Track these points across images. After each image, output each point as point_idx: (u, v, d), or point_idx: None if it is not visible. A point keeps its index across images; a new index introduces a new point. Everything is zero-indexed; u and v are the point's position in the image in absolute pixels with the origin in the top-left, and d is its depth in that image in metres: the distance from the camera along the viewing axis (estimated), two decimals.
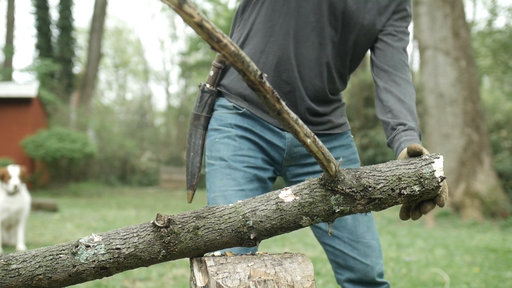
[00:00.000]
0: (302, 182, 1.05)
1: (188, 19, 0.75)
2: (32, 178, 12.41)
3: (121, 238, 0.98)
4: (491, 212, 7.91)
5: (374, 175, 1.02)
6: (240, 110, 1.52)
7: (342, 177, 1.00)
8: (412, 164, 1.05)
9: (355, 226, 1.56)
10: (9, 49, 17.00)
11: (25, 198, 4.80)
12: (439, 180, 1.03)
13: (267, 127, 1.52)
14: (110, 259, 0.97)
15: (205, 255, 1.05)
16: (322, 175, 1.00)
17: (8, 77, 16.41)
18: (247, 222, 1.00)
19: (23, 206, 4.75)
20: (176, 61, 28.42)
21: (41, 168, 13.16)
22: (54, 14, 17.62)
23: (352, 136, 1.69)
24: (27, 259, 0.97)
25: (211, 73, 1.57)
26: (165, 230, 0.97)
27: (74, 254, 0.97)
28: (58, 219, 7.10)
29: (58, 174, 14.49)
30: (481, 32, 14.39)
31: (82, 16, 46.72)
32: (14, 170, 4.63)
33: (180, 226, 0.98)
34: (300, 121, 0.88)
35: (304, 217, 1.01)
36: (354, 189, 1.00)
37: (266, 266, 0.95)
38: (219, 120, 1.54)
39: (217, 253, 1.08)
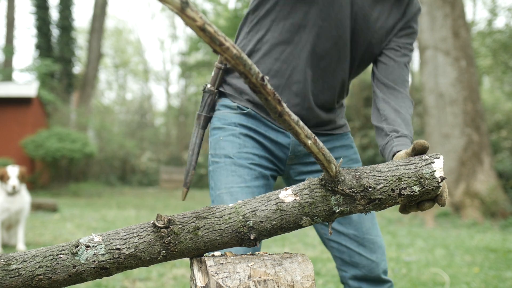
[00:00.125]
0: (302, 182, 1.05)
1: (191, 22, 0.75)
2: (32, 178, 12.41)
3: (121, 238, 0.98)
4: (491, 212, 7.91)
5: (374, 176, 1.02)
6: (245, 110, 1.52)
7: (342, 178, 1.00)
8: (412, 164, 1.05)
9: (361, 223, 1.57)
10: (9, 49, 17.00)
11: (25, 198, 4.80)
12: (439, 181, 1.03)
13: (271, 126, 1.53)
14: (110, 259, 0.97)
15: (205, 255, 1.05)
16: (322, 175, 1.01)
17: (8, 77, 16.41)
18: (247, 223, 1.00)
19: (23, 206, 4.75)
20: (176, 61, 28.43)
21: (41, 168, 13.16)
22: (54, 14, 17.64)
23: (352, 137, 1.70)
24: (27, 259, 0.97)
25: (213, 73, 1.59)
26: (165, 231, 0.97)
27: (74, 254, 0.97)
28: (58, 219, 7.10)
29: (58, 174, 14.50)
30: (481, 32, 14.39)
31: (82, 16, 46.77)
32: (13, 171, 4.63)
33: (180, 226, 0.98)
34: (301, 123, 0.88)
35: (304, 217, 1.01)
36: (354, 189, 1.00)
37: (266, 266, 0.95)
38: (222, 119, 1.54)
39: (217, 253, 1.09)
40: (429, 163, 1.04)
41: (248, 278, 0.92)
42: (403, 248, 5.28)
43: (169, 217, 0.98)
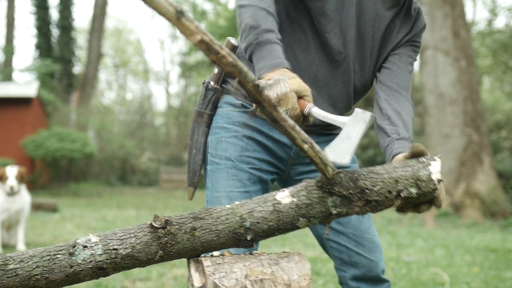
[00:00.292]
0: (299, 184, 1.05)
1: (186, 32, 0.75)
2: (32, 178, 12.42)
3: (118, 239, 0.98)
4: (491, 212, 7.91)
5: (371, 177, 1.02)
6: (249, 108, 1.51)
7: (339, 179, 1.00)
8: (409, 166, 1.05)
9: (359, 222, 1.58)
10: (9, 49, 17.02)
11: (25, 198, 4.79)
12: (436, 183, 1.03)
13: (271, 127, 1.52)
14: (107, 259, 0.97)
15: (202, 255, 1.05)
16: (319, 177, 1.01)
17: (8, 77, 16.42)
18: (244, 223, 1.00)
19: (23, 206, 4.75)
20: (176, 61, 28.44)
21: (41, 168, 13.17)
22: (54, 14, 17.65)
23: None
24: (24, 259, 0.97)
25: (216, 70, 1.56)
26: (162, 231, 0.97)
27: (71, 254, 0.97)
28: (58, 219, 7.11)
29: (58, 174, 14.51)
30: (481, 32, 14.40)
31: (82, 16, 46.77)
32: (11, 171, 4.63)
33: (177, 227, 0.98)
34: (297, 128, 0.88)
35: (301, 218, 1.01)
36: (351, 191, 1.00)
37: (262, 265, 0.95)
38: (226, 117, 1.52)
39: (215, 253, 1.09)
40: (426, 166, 1.04)
41: (245, 277, 0.92)
42: (403, 248, 5.28)
43: (166, 218, 0.98)
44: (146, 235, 0.98)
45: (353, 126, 1.15)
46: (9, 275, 0.95)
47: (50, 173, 14.05)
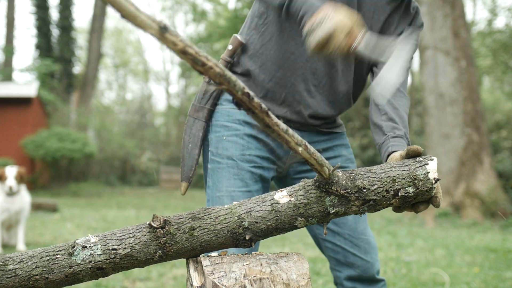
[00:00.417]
0: (297, 184, 1.05)
1: (171, 46, 0.75)
2: (32, 178, 12.42)
3: (117, 239, 0.98)
4: (491, 212, 7.91)
5: (368, 177, 1.03)
6: None
7: (336, 179, 1.00)
8: (406, 166, 1.05)
9: (356, 223, 1.58)
10: (9, 49, 17.02)
11: (25, 198, 4.79)
12: (433, 182, 1.04)
13: None
14: (107, 259, 0.97)
15: (201, 255, 1.05)
16: (316, 177, 1.01)
17: (8, 77, 16.42)
18: (243, 223, 1.00)
19: (23, 207, 4.75)
20: (176, 61, 28.44)
21: (41, 168, 13.17)
22: (54, 14, 17.65)
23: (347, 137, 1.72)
24: (24, 259, 0.98)
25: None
26: (161, 231, 0.97)
27: (70, 254, 0.97)
28: (58, 219, 7.11)
29: (58, 174, 14.50)
30: (481, 32, 14.40)
31: (82, 16, 46.77)
32: (10, 171, 4.63)
33: (176, 227, 0.98)
34: (290, 131, 0.89)
35: (299, 218, 1.02)
36: (349, 190, 1.01)
37: (261, 265, 0.96)
38: (226, 115, 1.52)
39: (214, 253, 1.09)
40: (423, 165, 1.05)
41: (244, 277, 0.93)
42: (403, 248, 5.28)
43: (165, 218, 0.98)
44: (145, 235, 0.98)
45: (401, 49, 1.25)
46: (9, 276, 0.96)
47: (50, 173, 14.05)
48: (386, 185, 1.03)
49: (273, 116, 0.86)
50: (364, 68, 1.56)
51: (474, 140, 8.26)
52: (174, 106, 26.85)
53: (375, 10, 1.48)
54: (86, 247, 0.97)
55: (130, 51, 31.15)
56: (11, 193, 4.62)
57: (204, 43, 17.17)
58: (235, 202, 1.04)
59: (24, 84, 14.29)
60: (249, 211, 1.01)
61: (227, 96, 1.54)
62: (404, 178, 1.03)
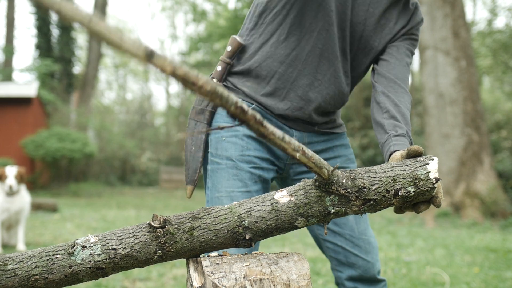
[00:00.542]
0: (298, 184, 1.05)
1: (160, 70, 0.75)
2: (32, 178, 12.42)
3: (117, 239, 0.98)
4: (491, 212, 7.91)
5: (369, 176, 1.03)
6: (249, 106, 1.51)
7: (336, 178, 1.00)
8: (406, 165, 1.05)
9: (356, 223, 1.59)
10: (9, 49, 17.01)
11: (25, 198, 4.80)
12: (434, 182, 1.04)
13: (275, 124, 1.53)
14: (106, 259, 0.97)
15: (201, 255, 1.05)
16: (316, 177, 1.01)
17: (8, 77, 16.42)
18: (243, 223, 1.00)
19: (23, 206, 4.75)
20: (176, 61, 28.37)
21: (41, 168, 13.17)
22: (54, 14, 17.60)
23: (347, 138, 1.72)
24: (23, 259, 0.97)
25: (219, 68, 1.55)
26: (161, 231, 0.97)
27: (70, 254, 0.97)
28: (58, 219, 7.11)
29: (58, 174, 14.50)
30: (481, 32, 14.40)
31: None
32: (10, 171, 4.63)
33: (175, 226, 0.98)
34: (286, 138, 0.89)
35: (299, 217, 1.01)
36: (349, 189, 1.01)
37: (261, 265, 0.95)
38: (225, 116, 1.53)
39: (214, 253, 1.08)
40: (424, 165, 1.05)
41: (244, 277, 0.92)
42: (403, 248, 5.28)
43: (165, 218, 0.98)
44: (144, 235, 0.98)
45: None
46: (8, 275, 0.96)
47: (50, 173, 14.05)
48: (386, 184, 1.02)
49: (268, 126, 0.86)
50: (357, 59, 1.55)
51: (474, 140, 8.26)
52: (174, 106, 26.86)
53: (371, 3, 1.47)
54: (85, 247, 0.97)
55: None
56: (11, 192, 4.62)
57: (204, 43, 17.18)
58: (235, 202, 1.04)
59: (24, 84, 14.28)
60: (249, 211, 1.01)
61: None
62: (404, 178, 1.03)
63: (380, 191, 1.02)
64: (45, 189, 13.27)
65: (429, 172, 1.04)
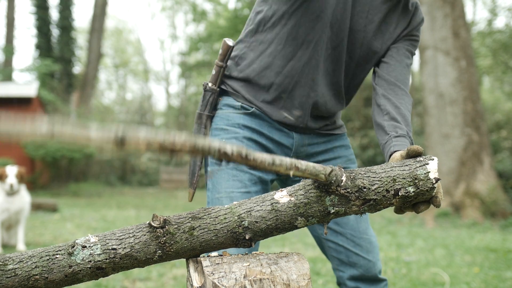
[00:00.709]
0: (297, 184, 1.05)
1: (135, 151, 0.75)
2: (32, 178, 12.42)
3: (117, 239, 0.98)
4: (491, 212, 7.91)
5: (368, 176, 1.03)
6: (249, 109, 1.51)
7: (335, 178, 1.00)
8: (406, 165, 1.05)
9: (357, 223, 1.59)
10: (9, 49, 17.01)
11: (25, 198, 4.80)
12: (434, 182, 1.03)
13: (275, 127, 1.54)
14: (106, 259, 0.97)
15: (201, 255, 1.05)
16: None
17: (8, 77, 16.41)
18: (243, 223, 1.00)
19: (23, 206, 4.75)
20: (176, 61, 28.43)
21: (41, 168, 13.17)
22: (54, 14, 17.64)
23: (348, 138, 1.72)
24: (23, 259, 0.97)
25: (213, 71, 1.56)
26: (161, 231, 0.97)
27: (70, 254, 0.97)
28: (58, 219, 7.10)
29: (58, 174, 14.50)
30: (481, 32, 14.40)
31: (82, 16, 46.80)
32: (11, 170, 4.64)
33: (175, 226, 0.98)
34: (276, 161, 0.90)
35: (299, 217, 1.01)
36: (349, 189, 1.01)
37: (261, 265, 0.95)
38: (225, 119, 1.53)
39: (214, 253, 1.09)
40: (424, 165, 1.05)
41: (244, 277, 0.92)
42: (403, 248, 5.28)
43: (165, 217, 0.98)
44: (144, 235, 0.98)
45: None
46: (8, 275, 0.95)
47: (50, 173, 14.05)
48: (386, 184, 1.02)
49: (256, 157, 0.87)
50: (358, 66, 1.55)
51: (474, 140, 8.26)
52: (174, 106, 26.86)
53: (370, 10, 1.48)
54: (85, 247, 0.97)
55: (130, 51, 31.15)
56: (11, 192, 4.62)
57: (204, 43, 17.18)
58: (235, 202, 1.04)
59: (24, 84, 14.28)
60: (249, 211, 1.01)
61: (226, 100, 1.55)
62: (404, 178, 1.03)
63: (380, 191, 1.02)
64: (45, 189, 13.26)
65: (429, 172, 1.04)
